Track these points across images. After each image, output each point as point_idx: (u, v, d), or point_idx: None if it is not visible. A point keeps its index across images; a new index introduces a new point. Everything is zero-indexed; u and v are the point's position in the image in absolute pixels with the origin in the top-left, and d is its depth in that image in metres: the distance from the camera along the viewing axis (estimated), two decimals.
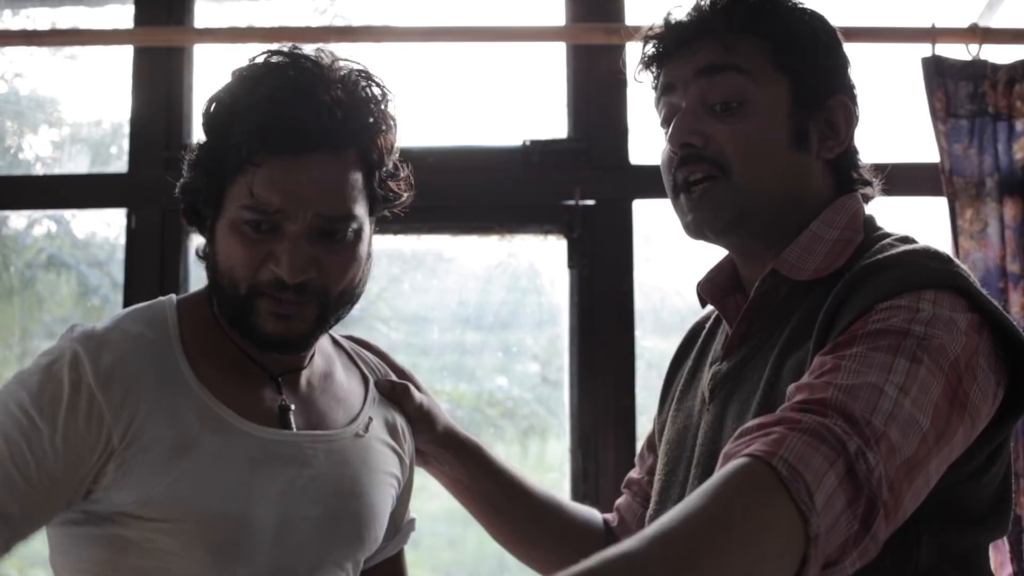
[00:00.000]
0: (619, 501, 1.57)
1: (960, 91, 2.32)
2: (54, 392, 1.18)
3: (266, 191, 1.19)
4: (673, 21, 1.28)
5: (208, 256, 1.28)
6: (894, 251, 1.16)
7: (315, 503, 1.27)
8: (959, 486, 1.11)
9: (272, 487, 1.24)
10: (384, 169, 1.29)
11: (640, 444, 1.59)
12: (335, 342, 1.44)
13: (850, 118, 1.26)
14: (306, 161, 1.20)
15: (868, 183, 1.30)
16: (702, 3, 1.28)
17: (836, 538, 0.94)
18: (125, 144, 2.53)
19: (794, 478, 0.92)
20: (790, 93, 1.24)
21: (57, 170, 2.68)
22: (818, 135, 1.25)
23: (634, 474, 1.55)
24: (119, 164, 2.62)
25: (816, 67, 1.25)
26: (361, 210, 1.25)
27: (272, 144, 1.19)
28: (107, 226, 2.69)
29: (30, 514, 1.17)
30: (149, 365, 1.22)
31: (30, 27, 2.66)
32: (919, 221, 2.47)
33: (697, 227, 1.26)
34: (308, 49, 1.26)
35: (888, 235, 1.23)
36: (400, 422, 1.43)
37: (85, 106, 2.72)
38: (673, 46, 1.27)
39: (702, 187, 1.24)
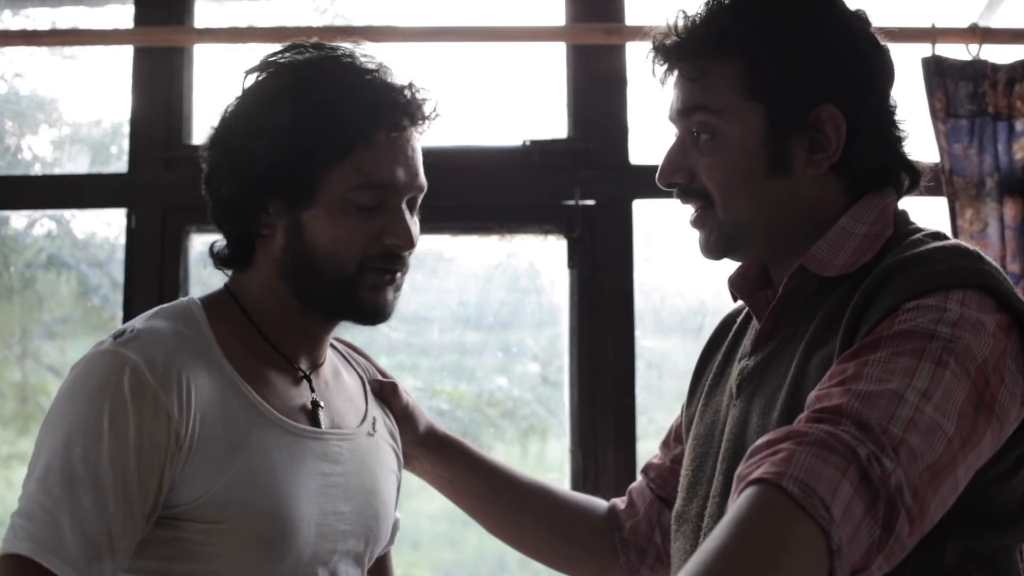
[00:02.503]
0: (632, 485, 1.57)
1: (960, 91, 2.32)
2: (117, 404, 1.16)
3: (380, 167, 1.25)
4: (657, 43, 1.28)
5: (291, 246, 1.28)
6: (922, 248, 1.15)
7: (345, 499, 1.31)
8: (987, 488, 1.10)
9: (312, 483, 1.27)
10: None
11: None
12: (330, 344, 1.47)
13: (839, 125, 1.21)
14: (407, 137, 1.29)
15: (897, 177, 1.27)
16: (681, 20, 1.26)
17: (859, 545, 0.94)
18: (125, 144, 2.53)
19: (807, 494, 0.92)
20: (765, 120, 1.21)
21: (57, 170, 2.68)
22: (806, 151, 1.22)
23: (655, 460, 1.55)
24: (119, 164, 2.62)
25: (792, 84, 1.21)
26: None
27: (380, 122, 1.25)
28: (107, 226, 2.69)
29: (131, 534, 1.16)
30: (195, 361, 1.22)
31: (30, 27, 2.66)
32: (919, 221, 2.46)
33: (701, 251, 1.30)
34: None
35: (919, 230, 1.22)
36: (391, 420, 1.48)
37: (85, 106, 2.72)
38: (663, 69, 1.29)
39: (695, 217, 1.27)
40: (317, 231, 1.26)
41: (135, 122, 2.50)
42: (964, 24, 2.38)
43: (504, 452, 2.73)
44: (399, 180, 1.27)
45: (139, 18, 2.52)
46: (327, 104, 1.24)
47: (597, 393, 2.44)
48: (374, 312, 1.30)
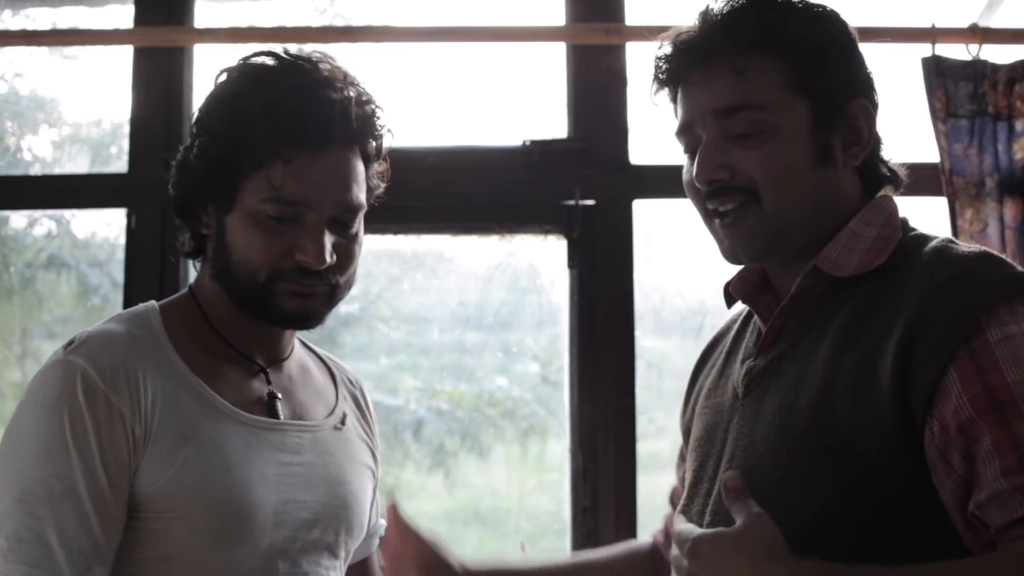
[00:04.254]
0: (667, 514, 1.58)
1: (960, 91, 2.32)
2: (74, 415, 1.20)
3: (293, 184, 1.26)
4: (682, 41, 1.27)
5: (217, 248, 1.32)
6: (953, 254, 1.17)
7: (307, 489, 1.32)
8: None
9: (269, 471, 1.29)
10: (376, 162, 1.37)
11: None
12: (304, 344, 1.50)
13: (871, 120, 1.26)
14: (327, 155, 1.28)
15: (895, 176, 1.31)
16: (709, 17, 1.26)
17: None
18: (125, 144, 2.53)
19: None
20: (809, 112, 1.24)
21: (57, 170, 2.68)
22: (842, 145, 1.25)
23: (676, 484, 1.56)
24: (119, 164, 2.62)
25: (832, 78, 1.24)
26: (364, 201, 1.34)
27: (298, 139, 1.25)
28: (107, 226, 2.69)
29: (115, 537, 1.21)
30: (144, 359, 1.26)
31: (30, 27, 2.66)
32: (919, 221, 2.47)
33: (733, 254, 1.28)
34: (295, 49, 1.34)
35: (928, 236, 1.24)
36: (369, 419, 1.50)
37: (85, 106, 2.72)
38: (684, 69, 1.27)
39: (733, 215, 1.25)
40: (234, 236, 1.29)
41: (135, 122, 2.50)
42: (964, 24, 2.38)
43: (504, 452, 2.73)
44: (312, 197, 1.26)
45: (139, 18, 2.52)
46: (251, 115, 1.25)
47: (597, 393, 2.44)
48: (287, 317, 1.31)
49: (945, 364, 1.09)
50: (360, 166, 1.32)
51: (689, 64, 1.26)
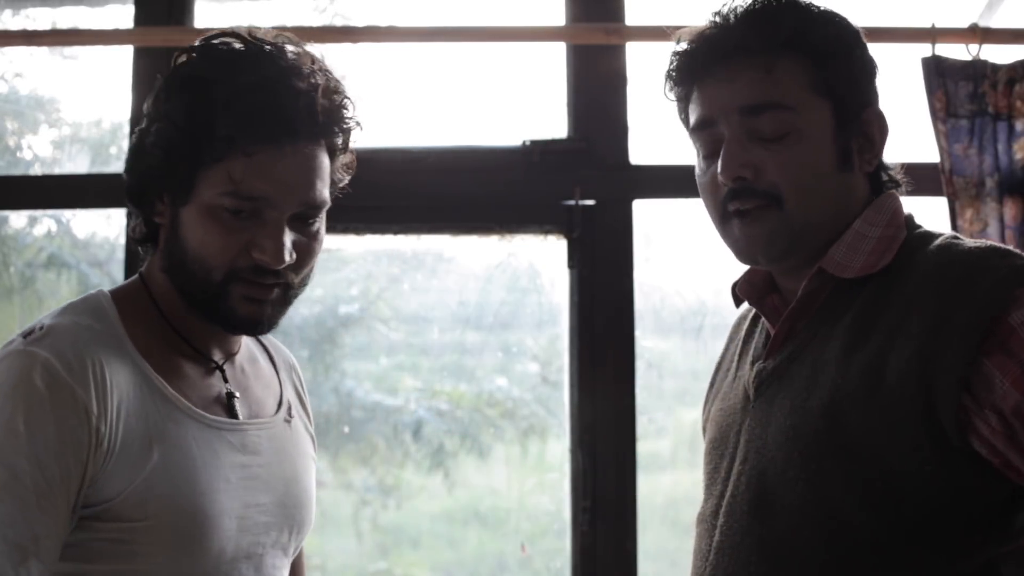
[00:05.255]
0: None
1: (960, 91, 2.32)
2: (32, 404, 1.13)
3: (254, 179, 1.19)
4: (705, 37, 1.26)
5: (169, 240, 1.25)
6: (960, 250, 1.17)
7: (266, 491, 1.29)
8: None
9: (232, 475, 1.25)
10: (342, 155, 1.31)
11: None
12: None
13: (884, 128, 1.28)
14: (291, 150, 1.21)
15: (898, 181, 1.32)
16: (735, 12, 1.25)
17: None
18: (125, 144, 2.53)
19: None
20: (833, 115, 1.24)
21: (57, 170, 2.68)
22: (858, 150, 1.26)
23: None
24: (119, 164, 2.62)
25: (853, 84, 1.26)
26: (328, 197, 1.28)
27: (262, 133, 1.19)
28: (107, 226, 2.69)
29: (56, 534, 1.13)
30: (110, 355, 1.19)
31: (30, 27, 2.66)
32: (919, 221, 2.47)
33: (750, 255, 1.27)
34: (261, 33, 1.29)
35: (933, 234, 1.25)
36: (306, 402, 1.46)
37: (85, 106, 2.72)
38: (707, 65, 1.25)
39: (753, 215, 1.24)
40: (189, 230, 1.23)
41: (135, 122, 2.49)
42: (964, 24, 2.38)
43: (504, 452, 2.73)
44: (273, 194, 1.20)
45: (139, 18, 2.52)
46: (214, 105, 1.19)
47: (597, 393, 2.44)
48: (246, 324, 1.26)
49: (976, 360, 1.09)
50: (325, 160, 1.25)
51: (712, 60, 1.25)
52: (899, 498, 1.12)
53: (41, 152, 2.73)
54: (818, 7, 1.27)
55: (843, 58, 1.25)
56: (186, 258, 1.23)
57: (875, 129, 1.27)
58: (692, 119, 1.28)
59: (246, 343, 1.39)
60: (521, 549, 2.59)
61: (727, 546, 1.23)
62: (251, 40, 1.25)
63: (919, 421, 1.10)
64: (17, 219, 2.69)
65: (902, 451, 1.11)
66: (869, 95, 1.28)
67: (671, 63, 1.30)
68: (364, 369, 2.65)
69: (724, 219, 1.27)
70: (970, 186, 2.31)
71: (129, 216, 1.30)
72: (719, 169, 1.24)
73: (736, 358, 1.38)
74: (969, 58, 2.34)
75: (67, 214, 2.70)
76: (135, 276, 1.32)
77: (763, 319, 1.34)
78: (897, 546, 1.12)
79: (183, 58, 1.25)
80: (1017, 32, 2.40)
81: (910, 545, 1.12)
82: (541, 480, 2.68)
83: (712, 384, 1.45)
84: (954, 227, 2.32)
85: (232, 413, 1.29)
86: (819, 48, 1.24)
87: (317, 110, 1.22)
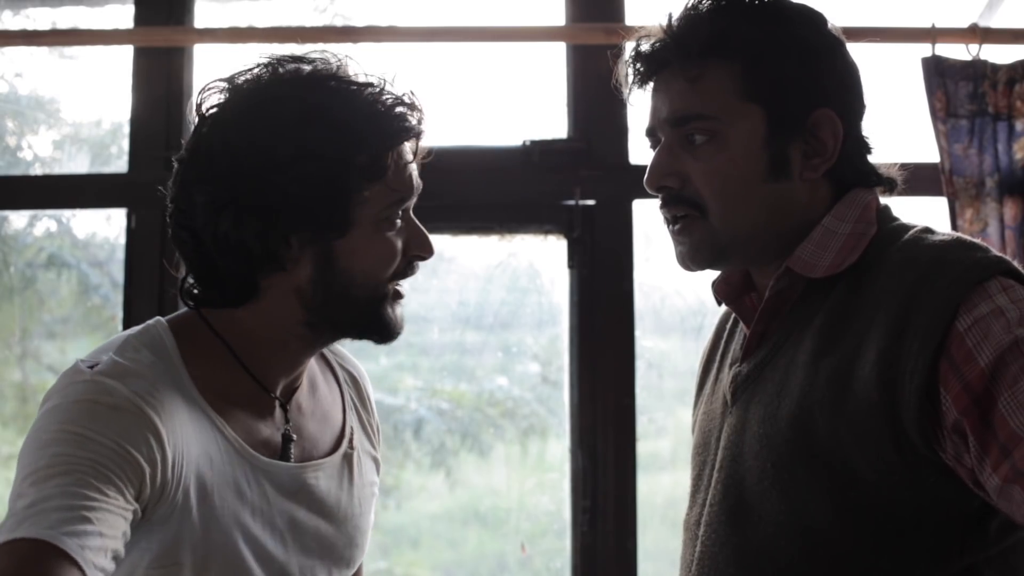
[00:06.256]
0: None
1: (960, 91, 2.32)
2: (97, 412, 1.08)
3: (406, 181, 1.23)
4: (642, 51, 1.26)
5: (319, 279, 1.20)
6: (925, 245, 1.14)
7: (314, 535, 1.27)
8: None
9: (280, 521, 1.23)
10: None
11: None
12: None
13: (836, 130, 1.21)
14: (411, 147, 1.25)
15: (880, 180, 1.26)
16: (667, 26, 1.24)
17: None
18: (125, 144, 2.53)
19: None
20: (764, 121, 1.20)
21: (57, 170, 2.69)
22: (801, 155, 1.21)
23: None
24: (119, 164, 2.62)
25: (791, 87, 1.20)
26: None
27: (405, 137, 1.22)
28: (107, 226, 2.70)
29: (117, 524, 1.06)
30: (169, 394, 1.15)
31: (30, 27, 2.66)
32: (919, 221, 2.47)
33: (683, 261, 1.27)
34: (303, 51, 1.26)
35: (905, 226, 1.21)
36: (371, 415, 1.43)
37: (85, 106, 2.72)
38: (645, 78, 1.26)
39: (681, 224, 1.24)
40: (354, 257, 1.20)
41: (135, 122, 2.50)
42: (964, 24, 2.38)
43: (504, 452, 2.73)
44: (412, 190, 1.24)
45: (139, 18, 2.52)
46: (351, 125, 1.18)
47: (597, 393, 2.44)
48: (400, 325, 1.26)
49: (935, 367, 1.07)
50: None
51: (648, 73, 1.26)
52: (872, 507, 1.10)
53: (41, 152, 2.73)
54: (755, 10, 1.23)
55: (775, 60, 1.20)
56: (353, 283, 1.21)
57: (826, 131, 1.20)
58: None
59: (308, 367, 1.33)
60: (521, 549, 2.59)
61: (707, 556, 1.22)
62: (318, 61, 1.23)
63: (886, 430, 1.08)
64: (17, 219, 2.69)
65: (871, 460, 1.09)
66: (816, 96, 1.20)
67: (626, 71, 1.29)
68: (365, 369, 2.66)
69: (666, 223, 1.28)
70: (970, 186, 2.31)
71: (216, 283, 1.22)
72: (644, 178, 1.26)
73: (719, 359, 1.36)
74: (969, 58, 2.34)
75: (67, 214, 2.70)
76: (189, 312, 1.26)
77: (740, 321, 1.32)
78: (873, 555, 1.10)
79: (270, 107, 1.19)
80: (1017, 32, 2.40)
81: (886, 554, 1.10)
82: (541, 480, 2.68)
83: (698, 384, 1.43)
84: (954, 227, 2.32)
85: (286, 455, 1.25)
86: (745, 52, 1.20)
87: (418, 105, 1.25)
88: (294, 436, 1.26)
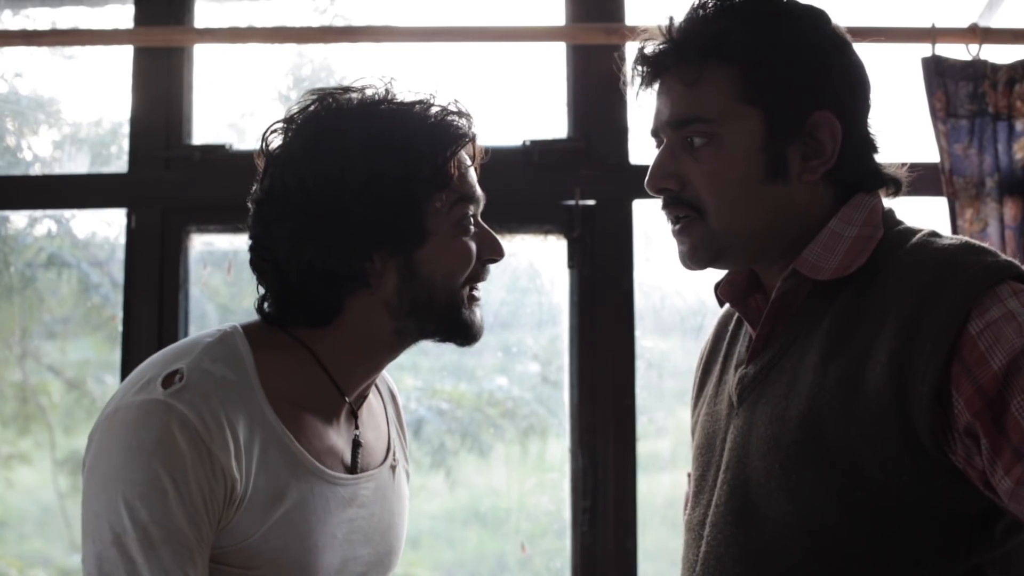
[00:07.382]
0: None
1: (960, 91, 2.32)
2: (176, 461, 1.14)
3: (471, 184, 1.30)
4: (644, 55, 1.27)
5: (403, 290, 1.25)
6: (934, 248, 1.15)
7: (365, 543, 1.31)
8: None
9: (339, 531, 1.26)
10: None
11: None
12: None
13: (835, 133, 1.21)
14: (468, 151, 1.31)
15: (884, 182, 1.27)
16: (672, 23, 1.25)
17: None
18: (125, 144, 2.53)
19: None
20: (762, 124, 1.21)
21: (57, 170, 2.68)
22: (800, 157, 1.22)
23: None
24: (119, 164, 2.62)
25: (790, 89, 1.21)
26: None
27: (462, 143, 1.28)
28: (107, 226, 2.70)
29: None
30: (240, 412, 1.19)
31: (30, 27, 2.66)
32: (919, 221, 2.47)
33: (684, 261, 1.28)
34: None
35: (911, 230, 1.22)
36: (403, 427, 1.47)
37: (85, 106, 2.72)
38: (648, 80, 1.27)
39: (682, 225, 1.26)
40: (434, 265, 1.25)
41: (135, 122, 2.50)
42: (964, 24, 2.38)
43: (504, 452, 2.73)
44: (478, 193, 1.30)
45: (139, 18, 2.52)
46: (410, 142, 1.23)
47: (597, 393, 2.44)
48: (481, 326, 1.32)
49: (947, 369, 1.07)
50: None
51: (651, 75, 1.27)
52: (879, 508, 1.10)
53: (41, 152, 2.73)
54: (755, 12, 1.23)
55: (773, 62, 1.21)
56: (435, 291, 1.26)
57: (825, 135, 1.21)
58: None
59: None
60: (521, 549, 2.59)
61: (713, 556, 1.22)
62: (352, 88, 1.28)
63: (896, 432, 1.09)
64: (17, 219, 2.69)
65: (881, 461, 1.09)
66: (815, 98, 1.21)
67: (632, 73, 1.29)
68: None
69: (669, 222, 1.29)
70: (970, 186, 2.32)
71: (302, 306, 1.26)
72: (646, 179, 1.27)
73: (722, 360, 1.36)
74: (969, 58, 2.35)
75: (67, 214, 2.70)
76: (261, 319, 1.30)
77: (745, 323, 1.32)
78: (880, 556, 1.11)
79: (332, 140, 1.23)
80: (1017, 32, 2.40)
81: (892, 555, 1.11)
82: (541, 480, 2.68)
83: (697, 384, 1.43)
84: (954, 227, 2.32)
85: (352, 464, 1.30)
86: (743, 55, 1.21)
87: (465, 111, 1.30)
88: (362, 442, 1.31)
